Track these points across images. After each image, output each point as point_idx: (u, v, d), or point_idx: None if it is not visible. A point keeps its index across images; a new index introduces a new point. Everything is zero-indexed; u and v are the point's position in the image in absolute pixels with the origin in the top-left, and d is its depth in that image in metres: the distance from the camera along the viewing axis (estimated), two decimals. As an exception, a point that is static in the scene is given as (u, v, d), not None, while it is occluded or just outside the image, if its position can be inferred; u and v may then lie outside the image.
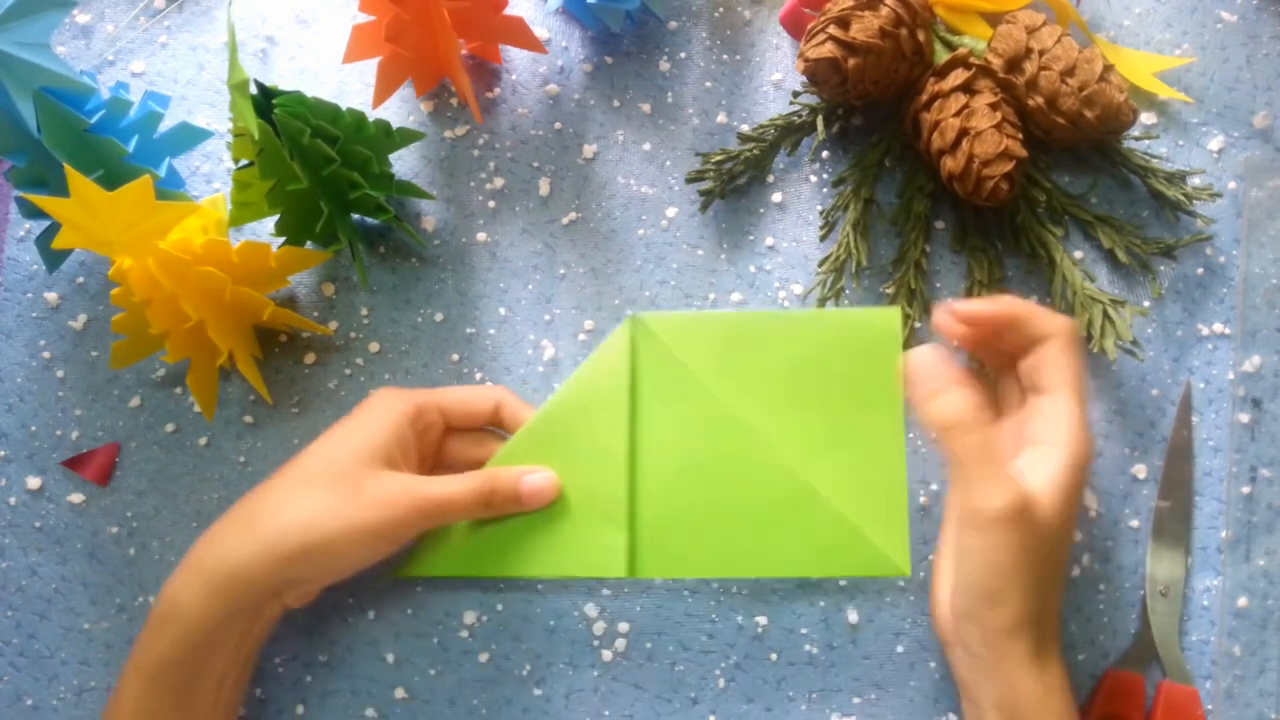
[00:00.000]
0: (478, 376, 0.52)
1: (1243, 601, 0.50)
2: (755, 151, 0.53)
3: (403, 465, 0.45)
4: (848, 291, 0.52)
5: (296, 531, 0.41)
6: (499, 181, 0.54)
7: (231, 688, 0.44)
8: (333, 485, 0.42)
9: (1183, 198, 0.52)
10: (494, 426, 0.49)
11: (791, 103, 0.54)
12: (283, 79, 0.56)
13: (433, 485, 0.43)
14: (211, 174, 0.54)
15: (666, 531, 0.46)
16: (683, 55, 0.56)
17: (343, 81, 0.55)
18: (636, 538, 0.46)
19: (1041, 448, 0.42)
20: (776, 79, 0.55)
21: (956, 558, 0.41)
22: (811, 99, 0.54)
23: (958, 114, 0.49)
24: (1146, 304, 0.53)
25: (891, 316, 0.45)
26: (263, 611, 0.43)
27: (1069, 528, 0.41)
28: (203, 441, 0.51)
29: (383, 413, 0.44)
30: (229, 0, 0.56)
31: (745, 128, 0.54)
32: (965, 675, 0.42)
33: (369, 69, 0.53)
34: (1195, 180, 0.53)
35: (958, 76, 0.50)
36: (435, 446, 0.48)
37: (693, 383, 0.47)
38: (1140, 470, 0.51)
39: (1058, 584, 0.42)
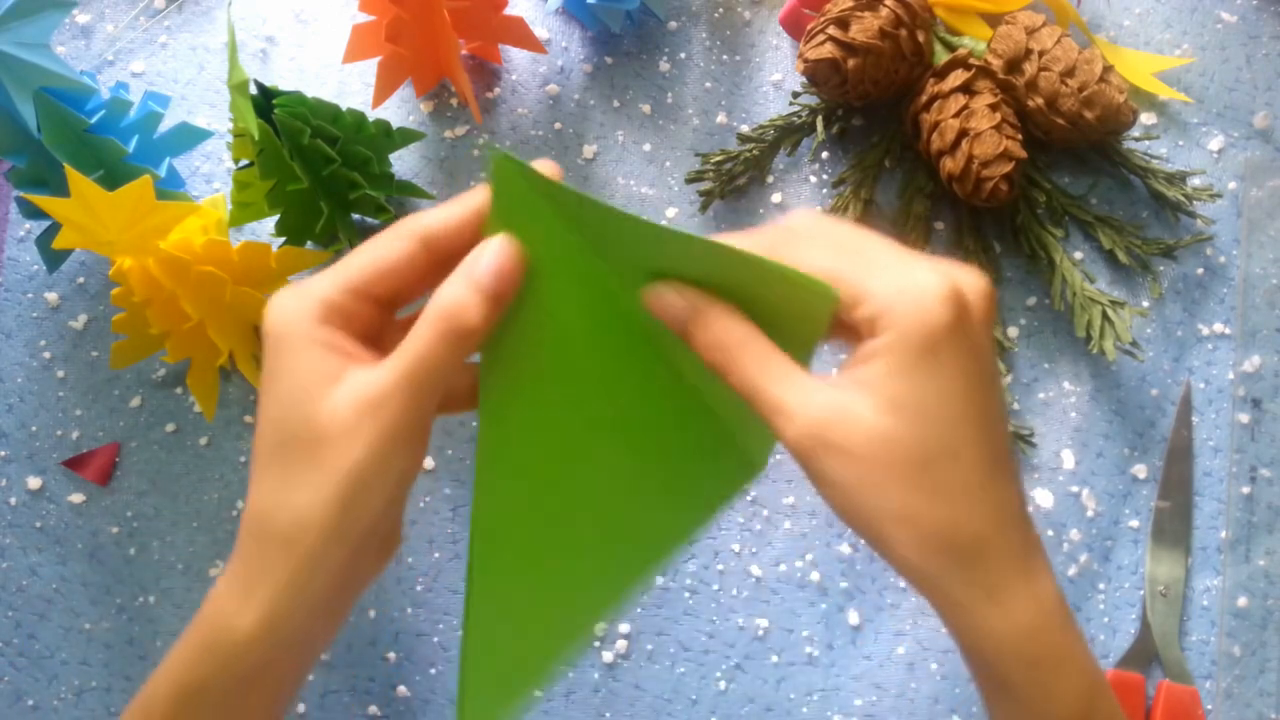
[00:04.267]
0: (478, 377, 0.52)
1: (1243, 601, 0.50)
2: (755, 152, 0.53)
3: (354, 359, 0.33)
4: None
5: (318, 522, 0.33)
6: (499, 182, 0.54)
7: (282, 704, 0.37)
8: (307, 455, 0.33)
9: (1183, 198, 0.52)
10: (438, 268, 0.34)
11: (791, 103, 0.54)
12: (283, 79, 0.56)
13: (398, 366, 0.33)
14: (211, 174, 0.54)
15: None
16: (683, 55, 0.56)
17: (343, 81, 0.55)
18: None
19: (876, 339, 0.31)
20: (776, 79, 0.55)
21: (828, 499, 0.32)
22: (811, 99, 0.54)
23: (957, 115, 0.49)
24: (1146, 304, 0.53)
25: (829, 296, 0.31)
26: (326, 622, 0.37)
27: (941, 419, 0.30)
28: (203, 441, 0.51)
29: (293, 346, 0.33)
30: (229, 0, 0.56)
31: (745, 128, 0.54)
32: (949, 626, 0.33)
33: (369, 69, 0.53)
34: (1195, 180, 0.53)
35: (957, 77, 0.50)
36: (374, 330, 0.35)
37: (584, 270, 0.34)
38: (1140, 470, 0.51)
39: (970, 489, 0.30)
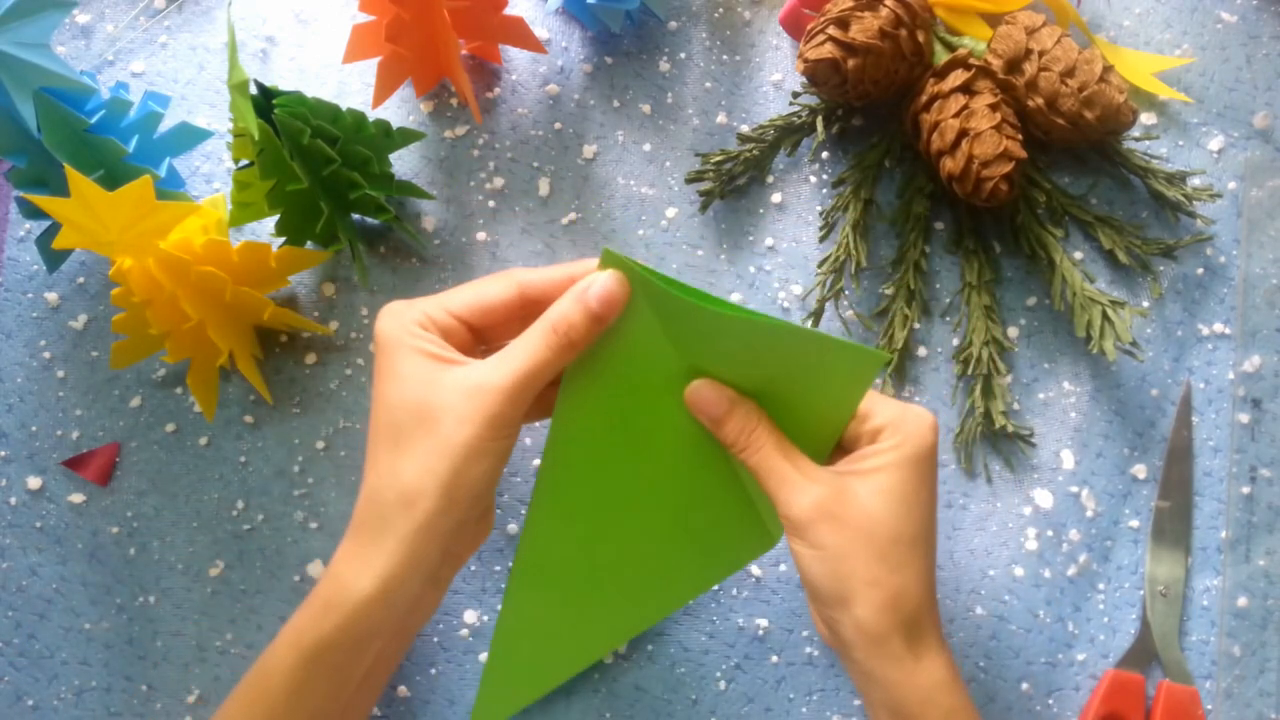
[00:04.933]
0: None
1: (1243, 601, 0.50)
2: (755, 152, 0.53)
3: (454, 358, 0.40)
4: (847, 292, 0.52)
5: (434, 489, 0.38)
6: (499, 181, 0.54)
7: (385, 668, 0.42)
8: (421, 435, 0.38)
9: (1183, 198, 0.52)
10: (525, 314, 0.41)
11: (791, 103, 0.54)
12: (283, 79, 0.56)
13: (508, 364, 0.39)
14: (211, 174, 0.54)
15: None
16: (683, 55, 0.56)
17: (343, 81, 0.55)
18: None
19: (879, 443, 0.40)
20: (776, 79, 0.55)
21: (797, 566, 0.40)
22: (811, 99, 0.54)
23: (957, 115, 0.49)
24: (1146, 304, 0.53)
25: (879, 358, 0.40)
26: (430, 590, 0.42)
27: (913, 514, 0.39)
28: (203, 441, 0.51)
29: (402, 346, 0.40)
30: (229, 0, 0.56)
31: (745, 128, 0.54)
32: (854, 680, 0.41)
33: (369, 69, 0.53)
34: (1195, 180, 0.53)
35: (957, 77, 0.50)
36: (466, 353, 0.42)
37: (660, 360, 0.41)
38: (1140, 470, 0.51)
39: (917, 570, 0.39)
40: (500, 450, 0.39)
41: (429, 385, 0.39)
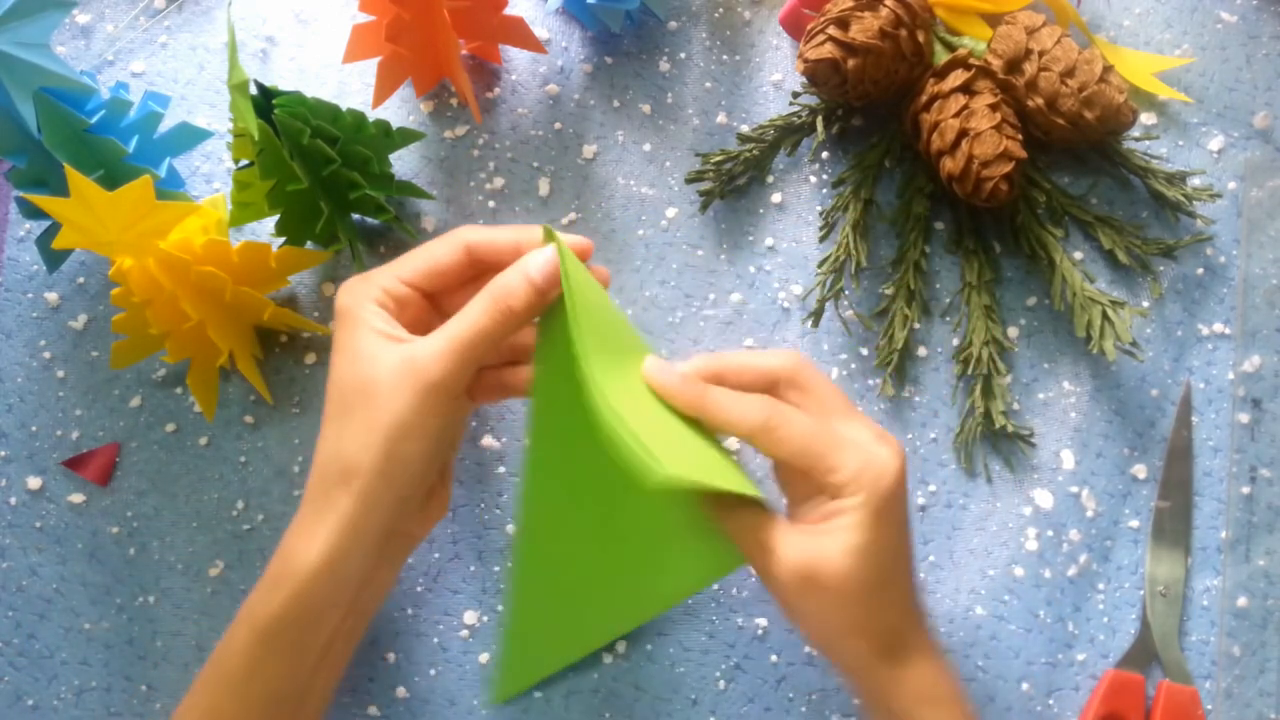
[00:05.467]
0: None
1: (1243, 601, 0.50)
2: (755, 152, 0.53)
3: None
4: (847, 292, 0.52)
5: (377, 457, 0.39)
6: (499, 181, 0.54)
7: (344, 644, 0.43)
8: (359, 409, 0.39)
9: (1183, 198, 0.52)
10: (476, 276, 0.42)
11: (791, 103, 0.54)
12: (283, 79, 0.56)
13: (444, 334, 0.39)
14: (211, 174, 0.54)
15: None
16: (683, 55, 0.56)
17: (343, 81, 0.55)
18: None
19: (844, 500, 0.39)
20: (776, 79, 0.55)
21: (800, 621, 0.42)
22: (811, 99, 0.54)
23: (957, 115, 0.49)
24: (1146, 304, 0.53)
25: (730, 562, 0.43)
26: (380, 566, 0.42)
27: (885, 559, 0.39)
28: (203, 441, 0.51)
29: (355, 322, 0.40)
30: (229, 0, 0.56)
31: (745, 128, 0.54)
32: (867, 692, 0.42)
33: (369, 69, 0.53)
34: (1195, 180, 0.53)
35: (957, 77, 0.50)
36: (422, 321, 0.42)
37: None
38: (1140, 470, 0.51)
39: (897, 603, 0.40)
40: (437, 428, 0.39)
41: (372, 361, 0.39)
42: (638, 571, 0.45)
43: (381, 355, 0.39)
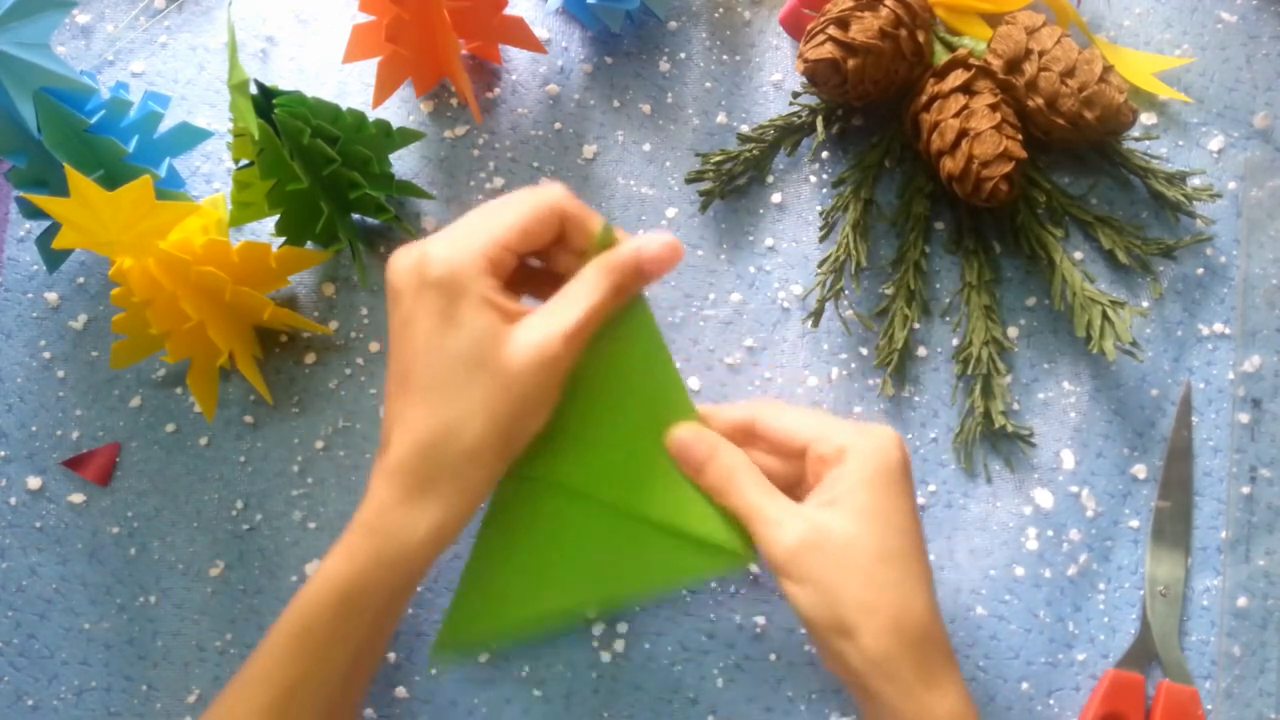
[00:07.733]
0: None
1: (1243, 601, 0.50)
2: (755, 152, 0.53)
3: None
4: (847, 292, 0.52)
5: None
6: (499, 181, 0.54)
7: (392, 630, 0.42)
8: (486, 388, 0.39)
9: (1183, 198, 0.52)
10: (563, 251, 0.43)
11: (791, 103, 0.54)
12: (283, 79, 0.56)
13: (568, 312, 0.40)
14: (211, 174, 0.54)
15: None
16: (683, 55, 0.56)
17: (343, 81, 0.55)
18: None
19: (844, 465, 0.40)
20: (776, 79, 0.55)
21: (792, 607, 0.39)
22: (811, 99, 0.54)
23: (957, 115, 0.49)
24: (1146, 304, 0.53)
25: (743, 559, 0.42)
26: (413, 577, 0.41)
27: (891, 529, 0.38)
28: (203, 441, 0.51)
29: (467, 296, 0.39)
30: (229, 0, 0.56)
31: (745, 128, 0.54)
32: (865, 715, 0.40)
33: (369, 69, 0.53)
34: (1195, 180, 0.53)
35: (957, 77, 0.50)
36: (511, 275, 0.42)
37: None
38: (1140, 470, 0.51)
39: (913, 588, 0.38)
40: (554, 402, 0.40)
41: (493, 336, 0.38)
42: (625, 543, 0.43)
43: (503, 330, 0.39)
